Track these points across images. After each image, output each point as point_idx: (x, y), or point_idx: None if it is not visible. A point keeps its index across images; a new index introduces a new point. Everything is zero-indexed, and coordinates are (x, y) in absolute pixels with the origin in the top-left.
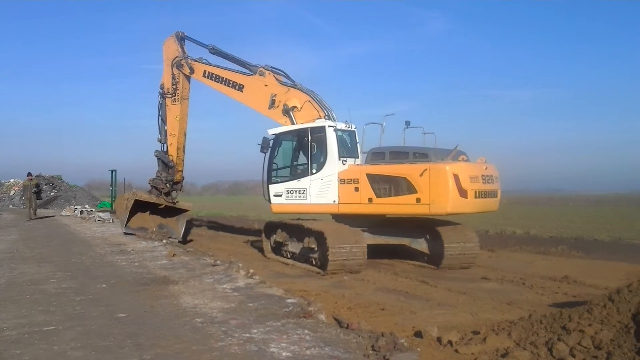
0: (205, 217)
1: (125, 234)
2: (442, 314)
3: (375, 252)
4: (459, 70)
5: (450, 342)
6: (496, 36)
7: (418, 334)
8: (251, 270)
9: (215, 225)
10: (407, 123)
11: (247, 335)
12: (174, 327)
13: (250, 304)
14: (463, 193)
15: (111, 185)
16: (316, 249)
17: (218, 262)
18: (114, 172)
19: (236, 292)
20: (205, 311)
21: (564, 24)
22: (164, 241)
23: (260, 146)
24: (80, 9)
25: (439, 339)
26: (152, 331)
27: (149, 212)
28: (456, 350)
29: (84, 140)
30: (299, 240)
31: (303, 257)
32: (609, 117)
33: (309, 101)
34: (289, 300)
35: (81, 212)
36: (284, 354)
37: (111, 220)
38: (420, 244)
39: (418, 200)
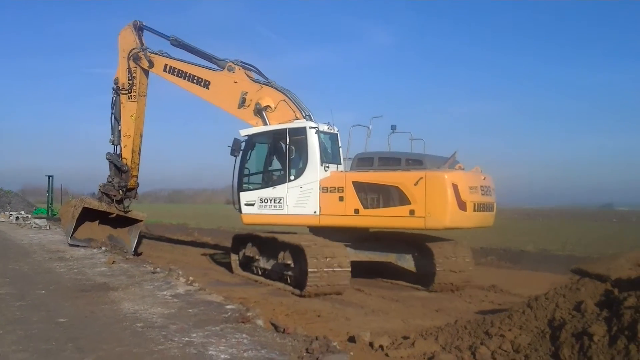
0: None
1: (71, 245)
2: (376, 320)
3: (357, 270)
4: (403, 83)
5: (381, 346)
6: (438, 50)
7: (352, 339)
8: (191, 278)
9: (154, 235)
10: (393, 128)
11: (187, 339)
12: (114, 331)
13: (190, 310)
14: (462, 205)
15: (47, 191)
16: (292, 265)
17: (158, 269)
18: (50, 177)
19: (176, 298)
20: (145, 316)
21: (504, 40)
22: (103, 248)
23: (230, 149)
24: (21, 4)
25: (371, 344)
26: (93, 335)
27: (98, 221)
28: (386, 354)
29: (17, 143)
30: (271, 255)
31: (277, 274)
32: (548, 133)
33: (284, 100)
34: (228, 307)
35: (17, 218)
36: (222, 356)
37: (47, 227)
38: (408, 262)
39: (412, 212)
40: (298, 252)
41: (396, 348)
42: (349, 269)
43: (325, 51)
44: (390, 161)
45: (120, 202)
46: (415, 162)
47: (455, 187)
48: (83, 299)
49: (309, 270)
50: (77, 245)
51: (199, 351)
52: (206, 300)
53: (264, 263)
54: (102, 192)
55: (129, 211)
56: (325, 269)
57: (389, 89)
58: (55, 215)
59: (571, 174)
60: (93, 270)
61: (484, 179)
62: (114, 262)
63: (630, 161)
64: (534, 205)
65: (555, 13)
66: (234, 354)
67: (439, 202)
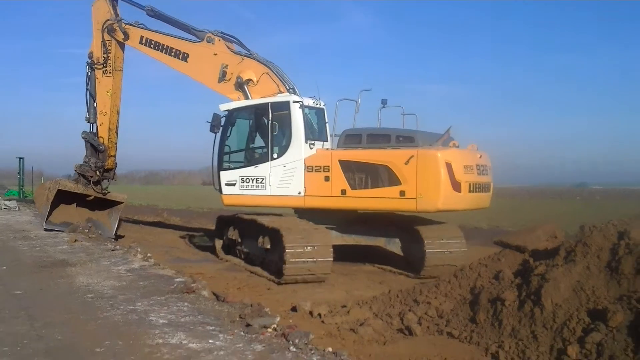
0: None
1: (46, 230)
2: (321, 292)
3: (344, 254)
4: (380, 64)
5: (319, 314)
6: (414, 33)
7: (294, 309)
8: (148, 254)
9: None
10: (384, 102)
11: (131, 307)
12: (65, 301)
13: (141, 283)
14: (456, 186)
15: (19, 173)
16: (272, 250)
17: (117, 247)
18: (21, 159)
19: (130, 272)
20: (97, 289)
21: (479, 25)
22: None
23: (210, 124)
24: None
25: (310, 312)
26: (45, 305)
27: (75, 204)
28: (322, 321)
29: None
30: (253, 239)
31: (258, 259)
32: (522, 113)
33: (267, 73)
34: (177, 279)
35: None
36: (160, 321)
37: (17, 209)
38: (397, 246)
39: (402, 193)
40: (277, 237)
41: (333, 316)
42: (331, 256)
43: (307, 32)
44: (379, 138)
45: (97, 183)
46: (406, 139)
47: (449, 166)
48: (41, 274)
49: (287, 256)
50: (53, 230)
51: (141, 317)
52: (158, 274)
53: (245, 247)
54: (78, 173)
55: (108, 193)
56: (304, 256)
57: (370, 68)
58: (27, 197)
59: (553, 153)
60: (55, 248)
61: (480, 157)
62: (76, 240)
63: (607, 139)
64: (506, 184)
65: None
66: (172, 319)
67: (432, 182)
